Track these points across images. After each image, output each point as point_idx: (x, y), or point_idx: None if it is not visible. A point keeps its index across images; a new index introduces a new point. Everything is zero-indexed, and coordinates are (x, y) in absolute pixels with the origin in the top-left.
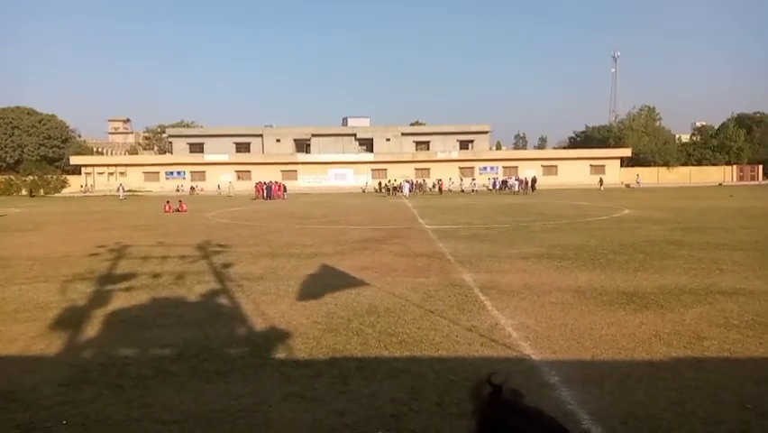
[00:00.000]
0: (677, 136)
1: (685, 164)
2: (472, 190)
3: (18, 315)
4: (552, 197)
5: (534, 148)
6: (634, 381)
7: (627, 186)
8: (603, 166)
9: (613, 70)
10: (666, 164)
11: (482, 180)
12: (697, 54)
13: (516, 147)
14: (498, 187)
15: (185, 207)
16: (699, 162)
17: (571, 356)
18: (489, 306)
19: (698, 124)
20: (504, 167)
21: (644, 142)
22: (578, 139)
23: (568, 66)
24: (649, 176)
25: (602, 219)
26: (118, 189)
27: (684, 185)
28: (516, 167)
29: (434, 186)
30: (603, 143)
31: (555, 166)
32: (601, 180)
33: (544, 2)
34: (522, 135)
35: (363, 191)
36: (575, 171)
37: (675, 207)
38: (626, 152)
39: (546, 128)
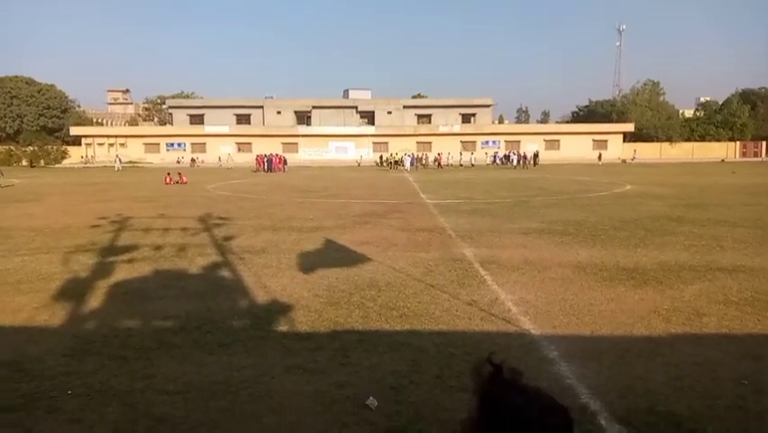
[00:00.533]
0: (681, 112)
1: (688, 140)
2: (471, 165)
3: (21, 286)
4: (554, 171)
5: (537, 122)
6: (632, 356)
7: (624, 161)
8: (606, 141)
9: (618, 44)
10: (669, 140)
11: (481, 155)
12: (702, 29)
13: (519, 121)
14: (496, 161)
15: (185, 179)
16: (702, 138)
17: (570, 331)
18: (490, 280)
19: (702, 99)
20: (506, 141)
21: (647, 117)
22: (581, 113)
23: (572, 39)
24: (652, 151)
25: (603, 195)
26: (115, 161)
27: (687, 161)
28: (519, 141)
29: (434, 160)
30: (606, 118)
31: (558, 141)
32: (600, 155)
33: None
34: (524, 109)
35: (358, 164)
36: (578, 146)
37: (677, 182)
38: (629, 127)
39: (549, 102)
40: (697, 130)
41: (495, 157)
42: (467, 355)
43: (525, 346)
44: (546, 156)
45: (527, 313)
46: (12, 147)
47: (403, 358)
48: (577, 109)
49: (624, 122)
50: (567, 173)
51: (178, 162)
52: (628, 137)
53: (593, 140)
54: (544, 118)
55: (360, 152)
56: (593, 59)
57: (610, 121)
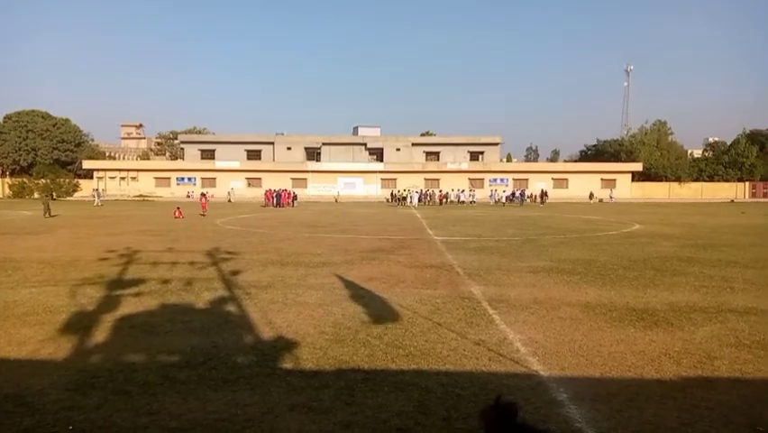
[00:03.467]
0: (689, 151)
1: (697, 180)
2: (471, 202)
3: (27, 318)
4: (562, 210)
5: (547, 161)
6: (643, 399)
7: (600, 200)
8: (614, 180)
9: (625, 84)
10: (678, 179)
11: (485, 193)
12: (710, 69)
13: (528, 160)
14: (495, 199)
15: (182, 214)
16: (711, 178)
17: (579, 373)
18: (498, 320)
19: (710, 139)
20: (514, 179)
21: (655, 156)
22: (589, 152)
23: (580, 79)
24: (660, 191)
25: (612, 234)
26: (93, 195)
27: (696, 201)
28: (527, 179)
29: (438, 197)
30: (614, 157)
31: (566, 179)
32: (591, 194)
33: (555, 15)
34: (534, 148)
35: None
36: (586, 185)
37: (686, 222)
38: (638, 167)
39: (558, 141)
40: (705, 170)
41: (492, 194)
42: (474, 397)
43: (533, 388)
44: (554, 194)
45: (536, 354)
46: (25, 179)
47: (409, 399)
48: (585, 148)
49: (632, 161)
50: (575, 212)
51: (188, 196)
52: (637, 177)
53: (601, 179)
54: (554, 157)
55: (369, 188)
56: (601, 99)
57: (619, 160)
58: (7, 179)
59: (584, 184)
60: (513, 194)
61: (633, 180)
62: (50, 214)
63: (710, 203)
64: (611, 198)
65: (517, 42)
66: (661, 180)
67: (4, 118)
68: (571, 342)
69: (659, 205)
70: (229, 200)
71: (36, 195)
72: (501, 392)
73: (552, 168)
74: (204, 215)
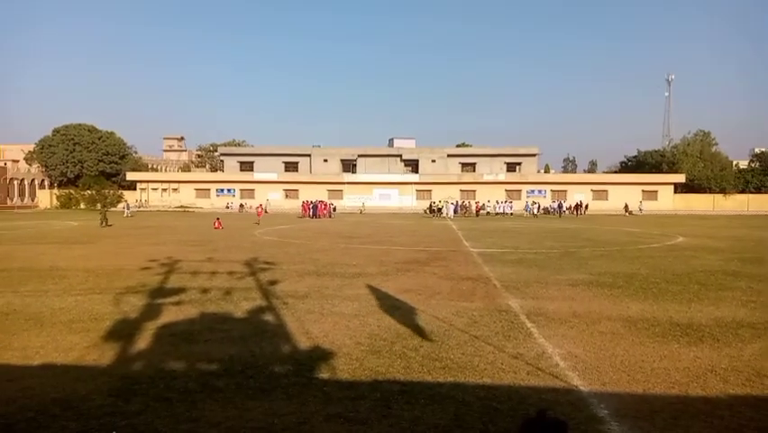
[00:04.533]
0: (734, 162)
1: (743, 191)
2: (510, 214)
3: (73, 325)
4: (602, 222)
5: (585, 172)
6: (688, 417)
7: (629, 212)
8: (656, 192)
9: (666, 94)
10: (723, 191)
11: (522, 205)
12: (755, 78)
13: (566, 171)
14: (530, 211)
15: (221, 225)
16: (757, 190)
17: (621, 389)
18: (536, 333)
19: (756, 150)
20: (552, 190)
21: (699, 167)
22: (629, 163)
23: (620, 89)
24: (704, 203)
25: (654, 247)
26: (124, 207)
27: (741, 213)
28: (566, 190)
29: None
30: (656, 169)
31: (606, 191)
32: (626, 206)
33: (595, 22)
34: (571, 159)
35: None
36: (626, 196)
37: (732, 235)
38: (680, 178)
39: (596, 152)
40: (752, 181)
41: (527, 206)
42: (512, 411)
43: (573, 403)
44: (594, 206)
45: (576, 368)
46: (72, 191)
47: (446, 411)
48: (625, 159)
49: (674, 172)
50: (615, 224)
51: (228, 207)
52: (679, 188)
53: (643, 190)
54: (591, 168)
55: (404, 199)
56: (641, 109)
57: (660, 171)
58: (55, 191)
59: (624, 196)
60: (550, 205)
61: (675, 192)
62: (106, 223)
63: (757, 215)
64: (640, 210)
65: (554, 51)
66: (704, 192)
67: (53, 132)
68: (612, 357)
69: (703, 217)
70: (265, 210)
71: (83, 205)
72: (545, 406)
73: (591, 179)
74: (258, 223)
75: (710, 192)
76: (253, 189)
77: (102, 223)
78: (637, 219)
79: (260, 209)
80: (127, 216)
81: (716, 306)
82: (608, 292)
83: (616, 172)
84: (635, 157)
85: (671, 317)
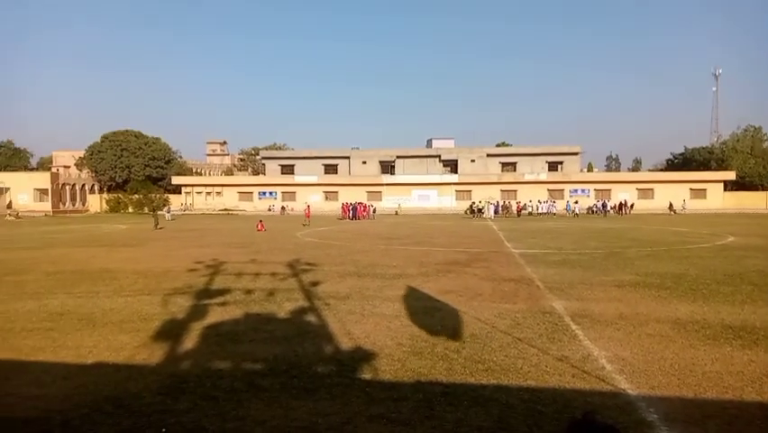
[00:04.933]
0: None
1: None
2: (554, 214)
3: (124, 325)
4: (648, 221)
5: (629, 170)
6: (743, 423)
7: (673, 211)
8: (704, 190)
9: (714, 89)
10: None
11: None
12: None
13: (609, 169)
14: (572, 211)
15: (264, 227)
16: None
17: (671, 393)
18: (581, 336)
19: None
20: (596, 189)
21: (750, 164)
22: (676, 161)
23: (665, 85)
24: (756, 201)
25: (704, 246)
26: (166, 210)
27: None
28: (610, 189)
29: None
30: (704, 166)
31: (651, 189)
32: (671, 205)
33: (638, 17)
34: (615, 157)
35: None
36: (673, 195)
37: None
38: (730, 175)
39: (641, 150)
40: None
41: (567, 206)
42: (557, 414)
43: (621, 407)
44: (639, 205)
45: (623, 371)
46: (120, 195)
47: (489, 414)
48: (672, 157)
49: (723, 169)
50: (662, 223)
51: (270, 210)
52: (729, 186)
53: (690, 189)
54: (635, 166)
55: (443, 200)
56: (688, 105)
57: (708, 169)
58: (104, 195)
59: (671, 194)
60: (595, 204)
61: (725, 190)
62: (158, 226)
63: None
64: (683, 208)
65: (596, 46)
66: (756, 189)
67: (102, 138)
68: (661, 360)
69: (755, 216)
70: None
71: (130, 209)
72: (591, 409)
73: (636, 177)
74: (307, 224)
75: (763, 189)
76: (294, 192)
77: (156, 225)
78: (684, 218)
79: (307, 210)
80: (169, 220)
81: None
82: (655, 293)
83: (662, 170)
84: (681, 154)
85: (722, 320)
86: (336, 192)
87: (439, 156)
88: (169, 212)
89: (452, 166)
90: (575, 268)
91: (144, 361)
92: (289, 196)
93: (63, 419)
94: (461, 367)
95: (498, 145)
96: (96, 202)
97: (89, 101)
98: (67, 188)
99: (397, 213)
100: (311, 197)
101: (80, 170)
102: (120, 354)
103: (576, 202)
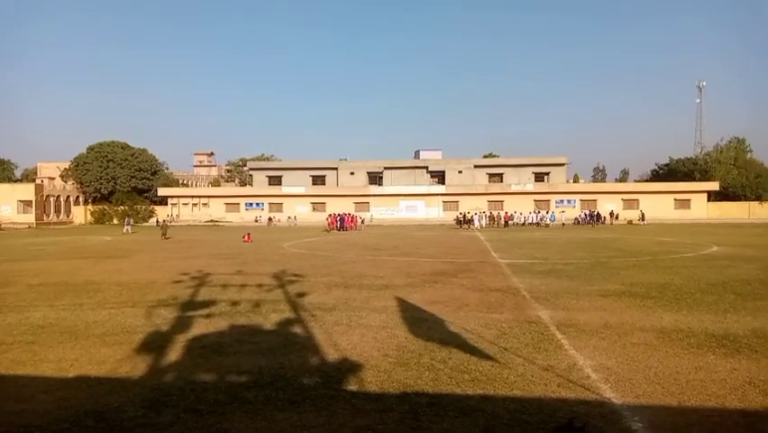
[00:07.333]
0: None
1: None
2: (546, 224)
3: (107, 338)
4: (633, 231)
5: (616, 181)
6: (725, 431)
7: (630, 222)
8: (688, 200)
9: (698, 101)
10: (758, 198)
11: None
12: None
13: (596, 180)
14: (553, 220)
15: (250, 238)
16: None
17: (655, 401)
18: (567, 345)
19: None
20: (582, 200)
21: (733, 175)
22: (660, 172)
23: (650, 97)
24: (739, 211)
25: (688, 256)
26: (125, 223)
27: None
28: (596, 200)
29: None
30: (688, 177)
31: (636, 200)
32: (642, 215)
33: (623, 31)
34: (601, 168)
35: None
36: (658, 206)
37: None
38: (714, 186)
39: (627, 161)
40: None
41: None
42: (543, 423)
43: (606, 416)
44: (625, 216)
45: (608, 380)
46: (105, 206)
47: (475, 424)
48: (657, 167)
49: (707, 180)
50: (647, 233)
51: (256, 221)
52: (713, 196)
53: (675, 199)
54: (623, 177)
55: (430, 211)
56: (673, 117)
57: (693, 180)
58: (89, 207)
59: (656, 205)
60: (580, 215)
61: (709, 200)
62: (165, 236)
63: None
64: (641, 221)
65: (582, 59)
66: (739, 200)
67: (87, 149)
68: (645, 369)
69: (738, 225)
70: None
71: (116, 221)
72: (574, 415)
73: (621, 188)
74: (329, 230)
75: (745, 200)
76: (281, 203)
77: (162, 235)
78: (670, 228)
79: (246, 237)
80: (129, 233)
81: (753, 316)
82: (640, 303)
83: (647, 181)
84: (666, 165)
85: (706, 328)
86: (324, 203)
87: (426, 167)
88: (129, 224)
89: (440, 177)
90: (561, 278)
91: (127, 374)
92: (277, 207)
93: None
94: (448, 378)
95: (485, 156)
96: (80, 214)
97: (75, 112)
98: (51, 199)
99: (363, 221)
100: (298, 207)
101: (65, 182)
102: (102, 368)
103: (563, 212)
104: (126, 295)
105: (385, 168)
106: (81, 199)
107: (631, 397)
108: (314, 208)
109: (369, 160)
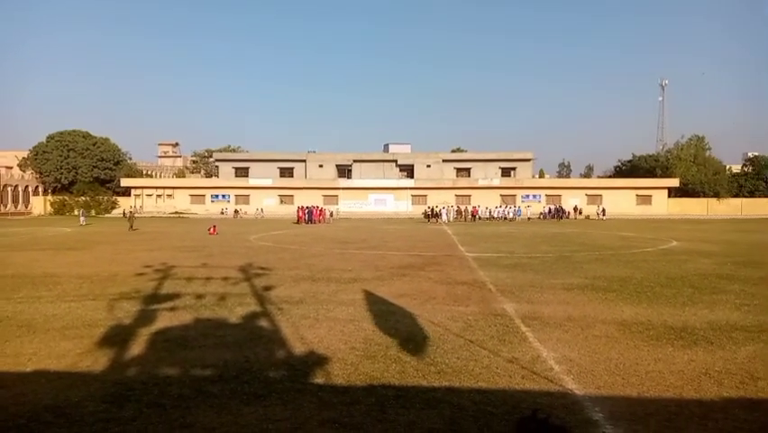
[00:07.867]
0: (728, 167)
1: (736, 195)
2: (513, 218)
3: (67, 331)
4: (596, 226)
5: (581, 176)
6: (683, 420)
7: (587, 217)
8: (650, 196)
9: (660, 99)
10: (716, 195)
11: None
12: (749, 81)
13: (561, 175)
14: (512, 214)
15: (216, 231)
16: (750, 194)
17: (615, 392)
18: (531, 337)
19: (749, 154)
20: (547, 195)
21: (692, 172)
22: (623, 168)
23: (615, 94)
24: (698, 207)
25: (648, 251)
26: (80, 215)
27: (735, 217)
28: (560, 195)
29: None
30: (650, 173)
31: (600, 195)
32: (603, 210)
33: (588, 28)
34: (566, 164)
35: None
36: (620, 201)
37: (726, 239)
38: (674, 183)
39: (592, 157)
40: (745, 186)
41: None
42: (507, 415)
43: (568, 407)
44: (588, 211)
45: (570, 372)
46: (66, 197)
47: (441, 416)
48: (620, 164)
49: (668, 177)
50: (610, 228)
51: (222, 213)
52: (673, 192)
53: (636, 195)
54: (588, 173)
55: (399, 204)
56: (637, 114)
57: (654, 176)
58: (49, 197)
59: (618, 200)
60: (544, 209)
61: (669, 196)
62: (132, 228)
63: (750, 219)
64: (599, 216)
65: (548, 56)
66: (698, 196)
67: (47, 138)
68: (606, 360)
69: (697, 221)
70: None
71: (76, 212)
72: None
73: (585, 184)
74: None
75: (704, 196)
76: (248, 195)
77: (130, 227)
78: (633, 223)
79: (212, 229)
80: (82, 225)
81: (710, 309)
82: (602, 296)
83: (610, 177)
84: (629, 161)
85: (665, 321)
86: (292, 196)
87: (396, 161)
88: (83, 216)
89: (409, 171)
90: (526, 271)
91: (88, 368)
92: (243, 199)
93: None
94: (414, 370)
95: (453, 151)
96: (39, 204)
97: (34, 99)
98: (8, 189)
99: (332, 214)
100: (266, 200)
101: (23, 171)
102: (62, 362)
103: (528, 207)
104: (87, 288)
105: (354, 161)
106: (40, 190)
107: (592, 388)
108: (281, 201)
109: (338, 153)
